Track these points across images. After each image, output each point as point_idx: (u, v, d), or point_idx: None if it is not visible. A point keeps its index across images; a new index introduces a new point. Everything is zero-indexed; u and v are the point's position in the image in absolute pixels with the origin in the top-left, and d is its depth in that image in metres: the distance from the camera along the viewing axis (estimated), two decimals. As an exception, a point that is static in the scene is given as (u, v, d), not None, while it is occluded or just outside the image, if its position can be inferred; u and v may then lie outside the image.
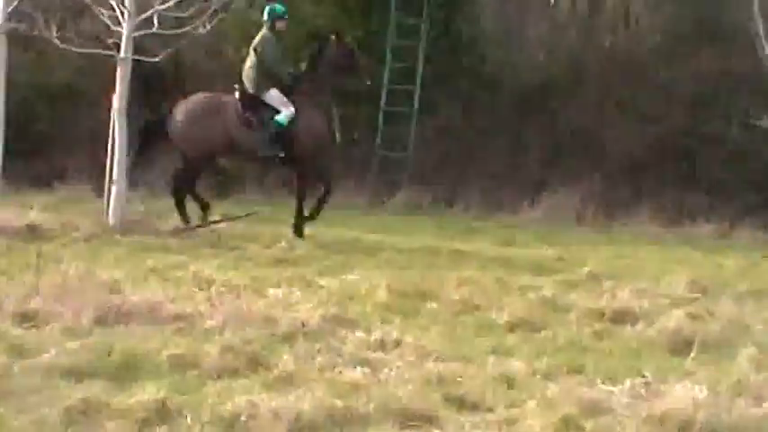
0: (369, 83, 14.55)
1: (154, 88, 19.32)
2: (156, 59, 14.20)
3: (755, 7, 18.89)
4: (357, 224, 15.53)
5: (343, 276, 10.77)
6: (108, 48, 13.88)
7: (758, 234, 17.92)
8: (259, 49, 13.81)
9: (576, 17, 23.67)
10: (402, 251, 13.06)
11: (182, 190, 14.06)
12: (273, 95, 13.79)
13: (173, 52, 14.53)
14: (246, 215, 14.39)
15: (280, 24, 13.94)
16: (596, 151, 20.34)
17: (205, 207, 14.15)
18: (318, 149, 13.94)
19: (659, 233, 17.15)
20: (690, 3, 21.84)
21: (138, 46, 14.07)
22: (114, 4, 13.52)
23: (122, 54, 13.63)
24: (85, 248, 11.71)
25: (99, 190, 14.49)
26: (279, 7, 13.98)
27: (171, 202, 14.16)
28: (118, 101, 13.70)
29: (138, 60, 14.08)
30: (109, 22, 13.64)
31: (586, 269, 11.95)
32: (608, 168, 19.97)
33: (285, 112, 13.71)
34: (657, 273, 12.16)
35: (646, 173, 19.91)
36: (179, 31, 14.14)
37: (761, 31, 18.91)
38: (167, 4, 13.65)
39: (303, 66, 14.16)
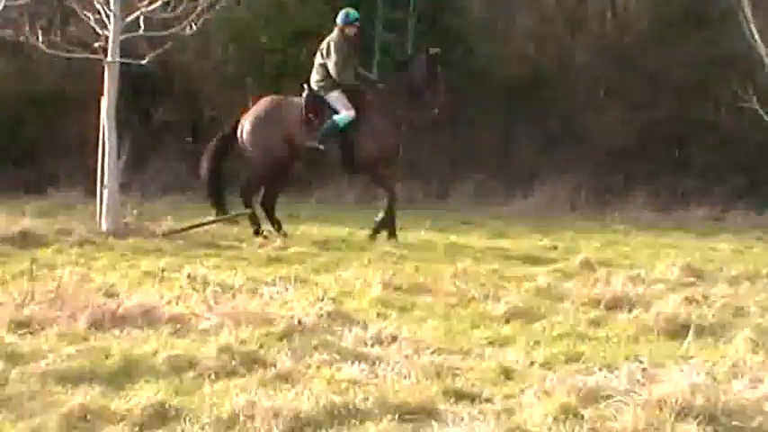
0: (437, 112, 14.08)
1: (142, 90, 19.35)
2: (144, 62, 14.17)
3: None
4: (350, 220, 15.54)
5: (338, 273, 10.75)
6: (95, 51, 13.83)
7: (750, 216, 17.96)
8: (325, 52, 13.69)
9: (563, 7, 23.69)
10: (396, 246, 13.05)
11: (250, 202, 13.93)
12: (336, 97, 13.66)
13: (160, 54, 14.45)
14: (238, 214, 14.33)
15: (350, 30, 13.80)
16: (587, 140, 20.42)
17: (276, 225, 13.94)
18: (382, 158, 13.78)
19: (652, 219, 17.21)
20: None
21: (125, 48, 14.03)
22: (100, 7, 13.49)
23: (109, 58, 13.59)
24: (79, 253, 11.69)
25: (91, 194, 14.45)
26: (353, 13, 13.90)
27: (164, 205, 14.12)
28: (107, 104, 13.67)
29: (126, 63, 14.05)
30: (95, 25, 13.61)
31: (581, 257, 11.96)
32: (599, 157, 20.04)
33: (344, 114, 13.60)
34: (652, 258, 12.19)
35: (637, 160, 19.99)
36: (166, 32, 14.09)
37: (748, 15, 18.94)
38: (153, 6, 13.61)
39: (372, 75, 14.39)
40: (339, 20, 13.84)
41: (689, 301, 9.13)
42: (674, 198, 18.64)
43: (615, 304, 9.03)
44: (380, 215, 13.81)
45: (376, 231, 13.76)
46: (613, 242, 14.35)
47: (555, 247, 13.61)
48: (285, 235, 13.58)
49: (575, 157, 19.84)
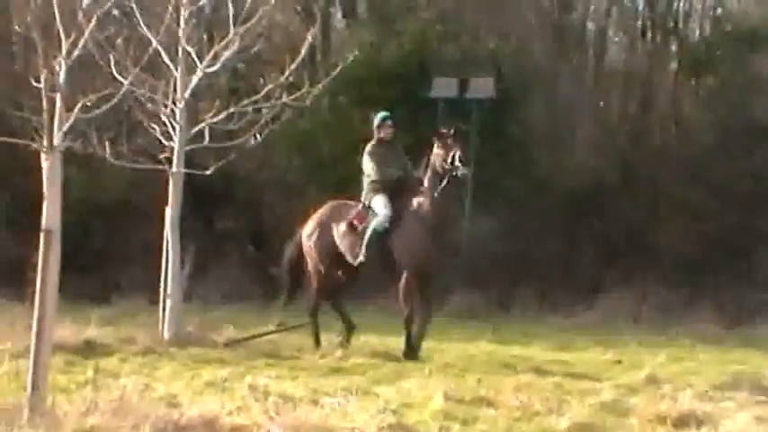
0: (462, 171, 12.85)
1: (205, 200, 19.53)
2: (208, 172, 14.32)
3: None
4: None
5: (400, 384, 10.68)
6: (160, 162, 14.01)
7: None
8: (362, 163, 13.57)
9: (625, 117, 23.72)
10: (458, 357, 12.95)
11: (314, 311, 13.83)
12: (377, 201, 13.37)
13: (223, 165, 14.60)
14: (299, 325, 14.32)
15: (385, 132, 13.62)
16: (651, 251, 20.26)
17: (349, 328, 13.74)
18: (417, 263, 12.96)
19: (718, 333, 16.89)
20: (740, 101, 21.79)
21: (190, 159, 14.20)
22: (166, 119, 13.70)
23: (174, 168, 13.77)
24: (142, 363, 11.73)
25: (154, 302, 14.52)
26: (383, 114, 13.79)
27: (225, 313, 14.15)
28: (171, 214, 13.81)
29: (190, 173, 14.20)
30: (161, 137, 13.81)
31: (645, 372, 11.78)
32: (664, 268, 19.85)
33: (379, 217, 13.24)
34: (719, 375, 11.95)
35: (702, 272, 19.75)
36: (229, 144, 14.24)
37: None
38: (218, 118, 13.79)
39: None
40: (374, 123, 13.74)
41: (760, 419, 8.93)
42: (741, 312, 18.34)
43: (682, 422, 8.88)
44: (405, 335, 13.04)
45: (410, 350, 12.97)
46: (679, 357, 14.10)
47: (619, 362, 13.43)
48: (347, 343, 13.50)
49: (638, 268, 19.69)
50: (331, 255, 13.64)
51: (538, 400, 9.72)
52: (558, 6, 24.21)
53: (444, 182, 12.87)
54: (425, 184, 13.08)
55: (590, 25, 25.39)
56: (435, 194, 12.93)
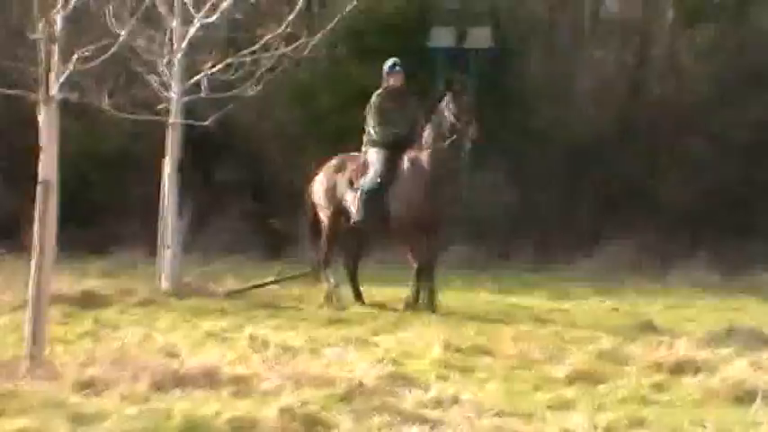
0: (470, 143, 12.69)
1: (204, 151, 19.48)
2: (207, 123, 14.29)
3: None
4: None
5: (399, 334, 10.73)
6: (158, 113, 13.99)
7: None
8: (367, 111, 13.32)
9: (623, 69, 23.63)
10: (457, 307, 12.99)
11: (319, 261, 13.69)
12: (371, 156, 13.17)
13: (222, 115, 14.57)
14: (301, 274, 14.35)
15: (394, 79, 13.31)
16: (650, 202, 20.25)
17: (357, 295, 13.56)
18: (415, 216, 12.73)
19: (717, 282, 16.91)
20: (739, 50, 21.71)
21: (188, 110, 14.18)
22: (163, 69, 13.66)
23: (172, 119, 13.76)
24: (141, 314, 11.77)
25: (154, 254, 14.54)
26: (394, 60, 13.44)
27: (225, 265, 14.18)
28: (169, 165, 13.81)
29: (189, 124, 14.18)
30: (159, 88, 13.78)
31: (644, 320, 11.83)
32: (663, 218, 19.85)
33: (369, 174, 13.04)
34: (717, 322, 12.00)
35: (701, 222, 19.75)
36: (228, 94, 14.20)
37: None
38: (216, 69, 13.76)
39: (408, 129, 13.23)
40: (384, 70, 13.48)
41: (756, 366, 8.97)
42: (740, 261, 18.33)
43: (680, 368, 8.92)
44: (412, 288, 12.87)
45: (413, 302, 12.79)
46: (677, 305, 14.16)
47: (617, 309, 13.49)
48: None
49: (637, 218, 19.68)
50: (337, 210, 13.51)
51: (536, 348, 9.78)
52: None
53: (450, 139, 12.58)
54: (427, 137, 12.87)
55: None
56: (436, 147, 12.70)
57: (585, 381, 8.51)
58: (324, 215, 13.70)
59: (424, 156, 12.87)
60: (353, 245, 13.85)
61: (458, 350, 9.68)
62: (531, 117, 21.41)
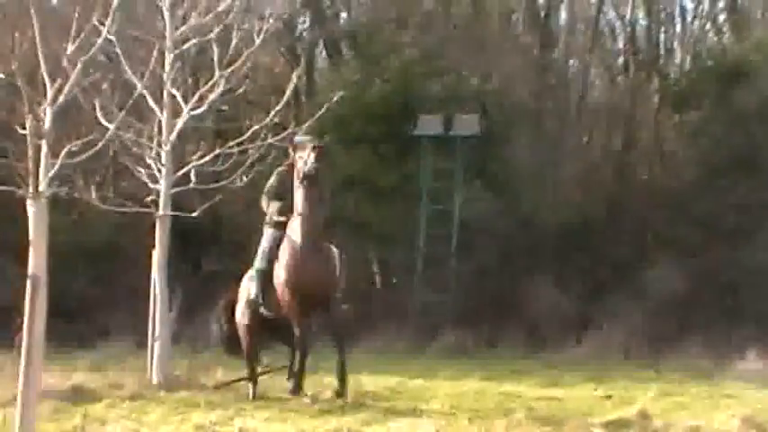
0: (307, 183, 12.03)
1: (192, 242, 19.47)
2: (195, 214, 14.26)
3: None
4: (400, 369, 15.39)
5: (390, 424, 10.64)
6: (146, 205, 13.98)
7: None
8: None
9: (610, 153, 23.81)
10: (448, 396, 12.90)
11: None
12: (265, 235, 12.89)
13: (210, 206, 14.55)
14: (287, 367, 14.20)
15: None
16: (639, 286, 20.25)
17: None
18: (294, 281, 12.04)
19: (708, 368, 16.83)
20: (724, 135, 21.84)
21: (176, 201, 14.17)
22: (152, 162, 13.69)
23: (161, 211, 13.75)
24: (130, 408, 11.66)
25: (142, 346, 14.45)
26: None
27: (214, 356, 14.07)
28: (158, 257, 13.78)
29: (177, 216, 14.17)
30: (147, 180, 13.79)
31: (637, 408, 11.75)
32: (652, 303, 19.83)
33: (258, 255, 12.75)
34: (710, 410, 11.92)
35: (690, 307, 19.74)
36: (216, 185, 14.21)
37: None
38: (204, 160, 13.79)
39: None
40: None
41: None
42: (730, 346, 18.28)
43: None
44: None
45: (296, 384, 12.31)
46: (669, 392, 14.07)
47: (609, 397, 13.41)
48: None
49: (626, 303, 19.68)
50: (248, 303, 13.00)
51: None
52: (540, 44, 24.34)
53: (306, 184, 12.02)
54: (298, 202, 12.27)
55: (572, 62, 25.56)
56: (307, 209, 12.12)
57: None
58: (239, 312, 13.21)
59: (296, 221, 12.35)
60: (284, 335, 13.40)
61: (451, 441, 9.61)
62: (519, 202, 21.49)
